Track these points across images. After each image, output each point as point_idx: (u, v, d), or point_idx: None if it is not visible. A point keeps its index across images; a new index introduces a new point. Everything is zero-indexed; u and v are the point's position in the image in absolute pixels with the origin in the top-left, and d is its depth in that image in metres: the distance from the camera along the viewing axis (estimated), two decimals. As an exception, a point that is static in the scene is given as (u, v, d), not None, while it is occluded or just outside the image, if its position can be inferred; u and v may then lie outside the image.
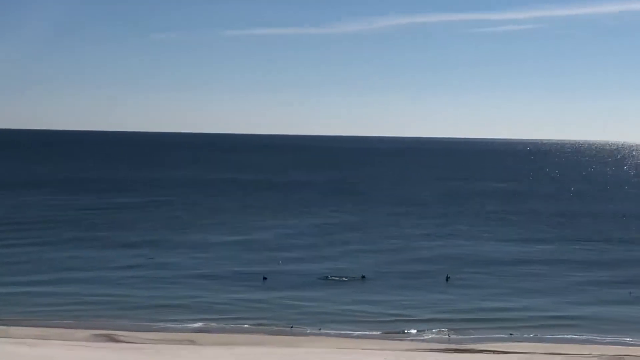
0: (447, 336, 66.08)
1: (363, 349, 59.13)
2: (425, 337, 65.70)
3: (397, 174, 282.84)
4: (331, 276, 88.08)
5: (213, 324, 68.03)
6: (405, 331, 67.42)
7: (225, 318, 70.04)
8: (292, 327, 67.94)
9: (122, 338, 61.95)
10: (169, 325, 67.39)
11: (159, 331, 65.01)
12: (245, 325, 67.88)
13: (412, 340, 64.72)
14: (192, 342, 60.97)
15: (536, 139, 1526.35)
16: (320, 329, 67.58)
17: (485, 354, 59.12)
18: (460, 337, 65.96)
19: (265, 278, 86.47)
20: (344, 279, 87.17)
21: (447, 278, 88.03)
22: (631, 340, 65.58)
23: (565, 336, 66.58)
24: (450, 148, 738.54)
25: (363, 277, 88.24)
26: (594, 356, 57.86)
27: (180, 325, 67.25)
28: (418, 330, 67.49)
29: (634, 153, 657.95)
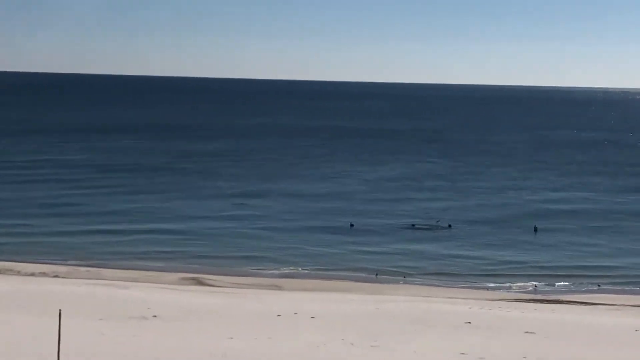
0: (533, 287, 65.63)
1: (448, 298, 59.05)
2: (511, 288, 65.37)
3: (479, 123, 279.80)
4: (418, 225, 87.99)
5: (299, 270, 68.82)
6: (491, 282, 67.16)
7: (312, 265, 70.71)
8: (377, 274, 68.25)
9: (209, 282, 63.20)
10: (256, 270, 68.50)
11: (246, 276, 66.13)
12: (331, 272, 68.55)
13: (497, 290, 64.46)
14: (277, 287, 61.80)
15: (610, 88, 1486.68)
16: (405, 277, 67.80)
17: (571, 305, 58.47)
18: (546, 288, 65.49)
19: (352, 225, 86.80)
20: (430, 227, 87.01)
21: (535, 229, 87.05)
22: None
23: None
24: (526, 97, 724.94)
25: (450, 226, 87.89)
26: (684, 310, 56.73)
27: (267, 271, 68.26)
28: (504, 281, 67.18)
29: None
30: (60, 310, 38.30)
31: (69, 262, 68.33)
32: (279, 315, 46.96)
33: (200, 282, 63.00)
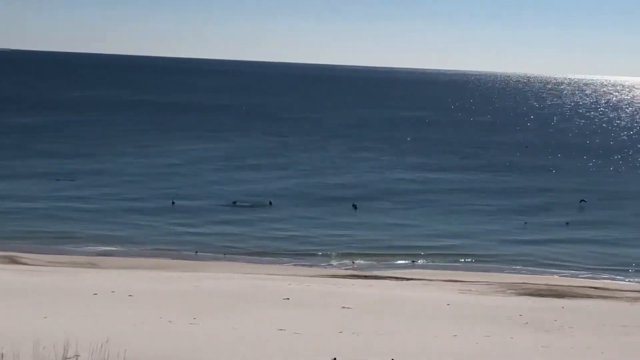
0: (351, 263, 66.97)
1: (267, 274, 59.47)
2: (330, 265, 66.50)
3: (310, 102, 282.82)
4: (239, 202, 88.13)
5: (117, 249, 67.71)
6: (310, 258, 68.09)
7: (130, 243, 69.73)
8: (197, 252, 67.99)
9: (24, 260, 61.30)
10: (72, 248, 66.95)
11: (61, 254, 64.57)
12: (150, 251, 67.80)
13: (316, 267, 65.44)
14: (94, 266, 60.59)
15: (450, 69, 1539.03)
16: (225, 254, 67.84)
17: (388, 280, 60.04)
18: (364, 263, 67.02)
19: (173, 203, 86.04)
20: (251, 205, 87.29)
21: (355, 206, 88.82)
22: (528, 269, 67.54)
23: (467, 264, 68.21)
24: (361, 77, 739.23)
25: (270, 203, 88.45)
26: (492, 284, 59.24)
27: (83, 249, 66.84)
28: (323, 257, 68.29)
29: (536, 84, 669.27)
30: None
31: None
32: (95, 294, 45.99)
33: (14, 261, 60.99)
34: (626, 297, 55.89)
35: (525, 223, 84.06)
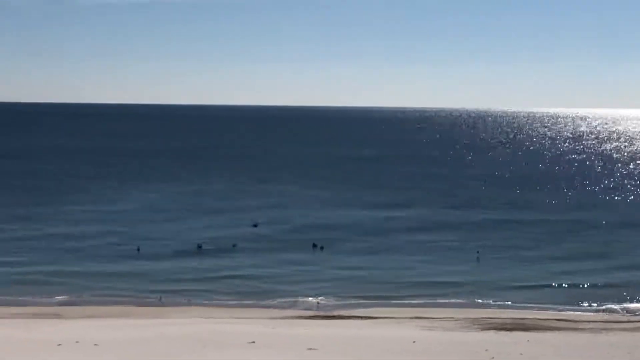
0: (316, 303, 66.88)
1: (233, 318, 59.30)
2: (295, 305, 66.33)
3: (254, 143, 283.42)
4: (202, 245, 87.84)
5: (81, 296, 67.07)
6: (275, 299, 67.91)
7: (93, 291, 69.08)
8: (160, 298, 67.53)
9: (-16, 313, 60.47)
10: (34, 299, 66.09)
11: (22, 305, 63.66)
12: (113, 298, 67.20)
13: (281, 308, 65.28)
14: (57, 316, 59.92)
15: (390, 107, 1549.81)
16: (189, 300, 67.43)
17: (353, 320, 60.05)
18: (328, 303, 66.89)
19: (138, 249, 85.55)
20: (215, 248, 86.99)
21: (315, 245, 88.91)
22: (492, 302, 67.83)
23: (429, 300, 68.31)
24: (315, 116, 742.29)
25: (234, 245, 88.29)
26: (458, 319, 59.44)
27: (45, 299, 66.05)
28: (287, 298, 68.11)
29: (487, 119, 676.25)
30: None
31: None
32: (59, 345, 45.57)
33: (-26, 314, 60.12)
34: (590, 328, 56.38)
35: (478, 252, 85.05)
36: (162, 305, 65.59)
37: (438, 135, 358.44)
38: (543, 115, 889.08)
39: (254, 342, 47.04)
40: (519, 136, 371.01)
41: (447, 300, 68.43)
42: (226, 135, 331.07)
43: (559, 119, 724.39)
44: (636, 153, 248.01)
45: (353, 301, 67.62)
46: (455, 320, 59.18)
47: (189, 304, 66.05)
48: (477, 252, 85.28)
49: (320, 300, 67.65)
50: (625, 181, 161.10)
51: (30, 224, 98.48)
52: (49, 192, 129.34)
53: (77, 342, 46.44)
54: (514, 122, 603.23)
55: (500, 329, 54.77)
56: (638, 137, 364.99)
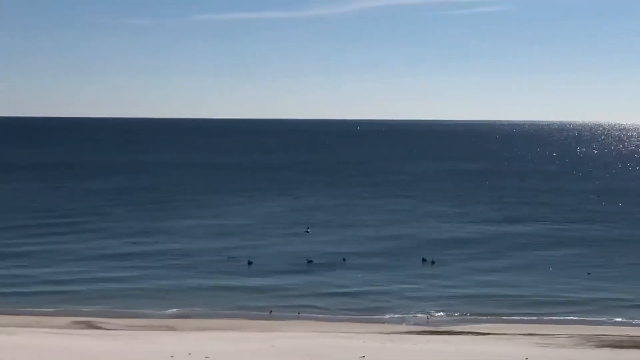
0: (426, 318, 66.38)
1: (342, 332, 59.27)
2: (404, 320, 65.95)
3: (372, 156, 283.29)
4: (313, 259, 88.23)
5: (194, 309, 68.08)
6: (385, 314, 67.67)
7: (206, 304, 70.05)
8: (271, 311, 68.07)
9: (101, 325, 62.02)
10: (148, 311, 67.44)
11: (138, 317, 65.09)
12: (225, 311, 68.00)
13: (391, 323, 64.97)
14: (170, 328, 61.01)
15: (506, 120, 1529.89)
16: (299, 313, 67.75)
17: (463, 336, 59.35)
18: (439, 319, 66.32)
19: (250, 263, 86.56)
20: (326, 262, 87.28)
21: (424, 260, 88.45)
22: (607, 320, 66.24)
23: (544, 318, 67.05)
24: (420, 130, 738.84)
25: (344, 259, 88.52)
26: (572, 336, 58.19)
27: (159, 312, 67.33)
28: (397, 313, 67.78)
29: (605, 133, 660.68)
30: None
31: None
32: (172, 357, 46.38)
33: (92, 326, 61.78)
34: None
35: (589, 273, 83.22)
36: (272, 318, 66.10)
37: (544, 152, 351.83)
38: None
39: (363, 356, 46.96)
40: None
41: (560, 317, 67.08)
42: (351, 150, 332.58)
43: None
44: None
45: (463, 317, 66.88)
46: (569, 337, 57.95)
47: (298, 318, 66.38)
48: (588, 273, 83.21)
49: (430, 315, 67.12)
50: None
51: (147, 238, 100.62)
52: (166, 207, 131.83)
53: (189, 354, 47.16)
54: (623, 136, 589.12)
55: (616, 347, 53.37)
56: None
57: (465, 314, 67.55)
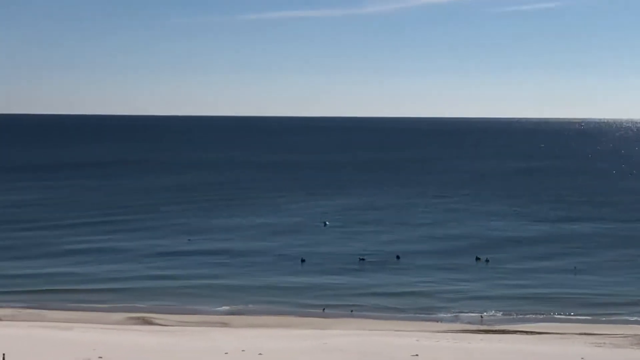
0: (480, 317, 65.98)
1: (395, 331, 59.17)
2: (458, 319, 65.63)
3: (432, 155, 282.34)
4: (366, 257, 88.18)
5: (247, 307, 68.40)
6: (438, 312, 67.40)
7: (260, 301, 70.36)
8: (324, 309, 68.17)
9: (155, 321, 62.65)
10: (202, 307, 67.94)
11: (192, 314, 65.57)
12: (277, 308, 68.26)
13: (444, 321, 64.68)
14: (224, 325, 61.44)
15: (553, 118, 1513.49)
16: (352, 311, 67.75)
17: (518, 335, 58.93)
18: (493, 317, 65.86)
19: (303, 260, 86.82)
20: (378, 260, 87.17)
21: (477, 258, 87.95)
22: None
23: (600, 318, 66.26)
24: (477, 128, 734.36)
25: (398, 257, 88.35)
26: (628, 336, 57.50)
27: (213, 308, 67.77)
28: (451, 311, 67.47)
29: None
30: (3, 354, 37.76)
31: (12, 305, 67.27)
32: (226, 353, 46.73)
33: (146, 321, 62.45)
34: None
35: None
36: (325, 316, 66.17)
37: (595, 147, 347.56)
38: None
39: (417, 355, 46.86)
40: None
41: (615, 317, 66.25)
42: (404, 149, 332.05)
43: None
44: None
45: (517, 316, 66.34)
46: (625, 336, 57.26)
47: (351, 316, 66.37)
48: None
49: (484, 314, 66.70)
50: None
51: (202, 236, 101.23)
52: (220, 205, 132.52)
53: (242, 350, 47.48)
54: None
55: (674, 348, 52.59)
56: None
57: (520, 313, 67.02)
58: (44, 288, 73.35)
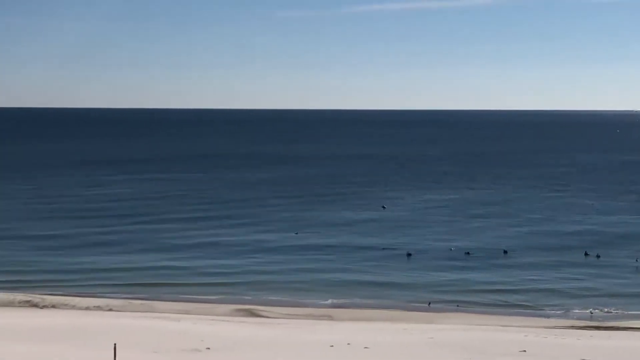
0: (589, 313, 64.66)
1: (502, 326, 58.44)
2: (567, 314, 64.45)
3: (526, 148, 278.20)
4: (472, 252, 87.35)
5: (353, 300, 68.46)
6: (547, 308, 66.29)
7: (364, 295, 70.31)
8: (429, 303, 67.75)
9: (262, 313, 63.25)
10: (308, 300, 68.25)
11: (298, 306, 65.95)
12: (383, 301, 68.10)
13: (553, 317, 63.60)
14: (329, 318, 61.66)
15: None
16: (458, 306, 67.17)
17: (629, 331, 57.57)
18: (603, 314, 64.47)
19: (409, 255, 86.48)
20: (485, 255, 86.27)
21: (586, 254, 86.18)
22: None
23: None
24: (569, 122, 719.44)
25: (505, 252, 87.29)
26: None
27: (318, 301, 68.02)
28: (560, 308, 66.29)
29: None
30: (115, 344, 38.60)
31: (123, 296, 68.83)
32: (331, 346, 46.82)
33: (252, 314, 63.11)
34: None
35: None
36: (431, 310, 65.75)
37: None
38: None
39: (524, 351, 46.18)
40: None
41: None
42: (501, 143, 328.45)
43: None
44: None
45: (629, 312, 64.77)
46: None
47: (457, 310, 65.80)
48: None
49: (594, 310, 65.30)
50: None
51: (308, 230, 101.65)
52: (326, 199, 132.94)
53: (348, 344, 47.50)
54: None
55: None
56: None
57: (631, 310, 65.42)
58: (154, 281, 74.70)
